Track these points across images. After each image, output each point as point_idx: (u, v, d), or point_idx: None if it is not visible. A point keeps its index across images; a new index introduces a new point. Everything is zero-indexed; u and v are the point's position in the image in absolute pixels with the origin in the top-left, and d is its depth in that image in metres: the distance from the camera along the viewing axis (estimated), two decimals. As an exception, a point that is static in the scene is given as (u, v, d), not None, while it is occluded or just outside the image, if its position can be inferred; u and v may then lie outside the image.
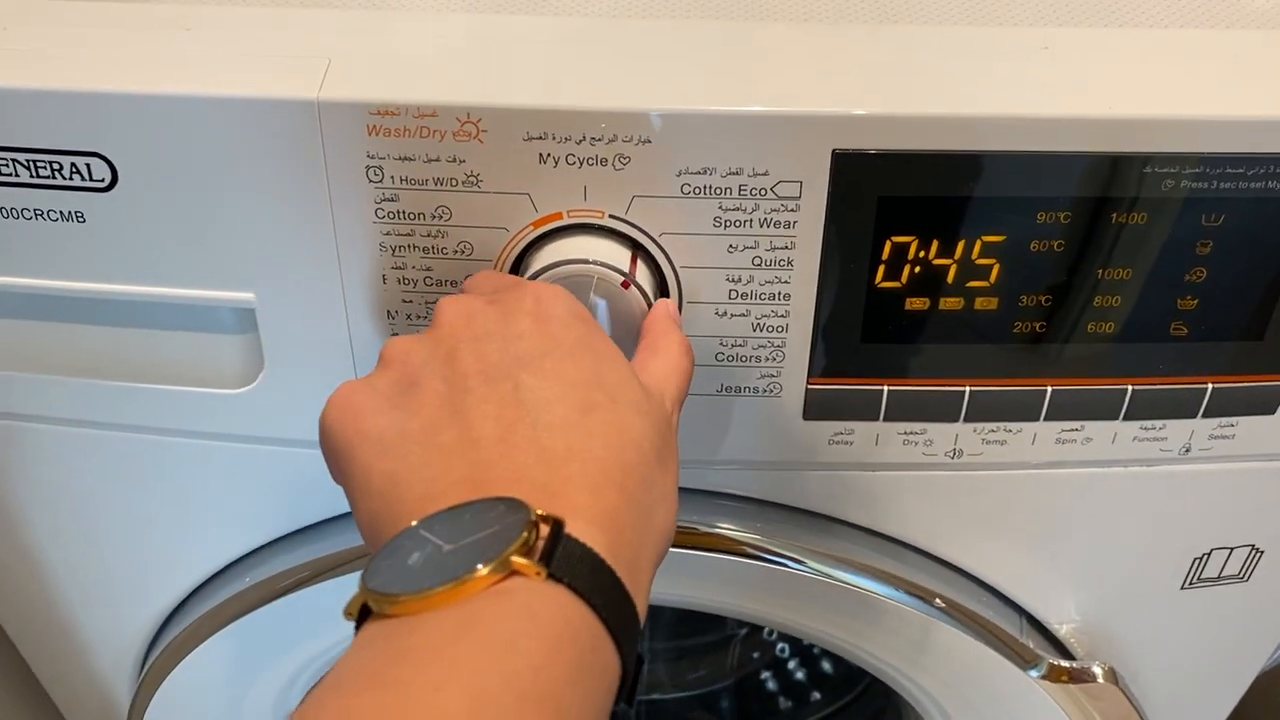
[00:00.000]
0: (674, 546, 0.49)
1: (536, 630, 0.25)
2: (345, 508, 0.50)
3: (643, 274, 0.40)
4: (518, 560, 0.26)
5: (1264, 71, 0.40)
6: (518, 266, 0.41)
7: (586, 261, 0.39)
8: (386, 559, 0.27)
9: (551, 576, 0.26)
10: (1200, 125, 0.38)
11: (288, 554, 0.52)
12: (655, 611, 0.91)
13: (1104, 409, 0.44)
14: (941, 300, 0.42)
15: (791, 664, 0.89)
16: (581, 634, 0.26)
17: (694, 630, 0.91)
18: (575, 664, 0.25)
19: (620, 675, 0.27)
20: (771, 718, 0.89)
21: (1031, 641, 0.52)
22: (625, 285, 0.39)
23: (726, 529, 0.49)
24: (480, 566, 0.25)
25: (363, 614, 0.27)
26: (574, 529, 0.27)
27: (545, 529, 0.27)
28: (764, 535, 0.49)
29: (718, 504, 0.49)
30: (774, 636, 0.90)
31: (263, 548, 0.53)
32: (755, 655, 0.91)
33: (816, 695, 0.85)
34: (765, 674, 0.90)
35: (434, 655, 0.24)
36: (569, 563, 0.26)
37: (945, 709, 0.59)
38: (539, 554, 0.26)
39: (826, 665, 0.86)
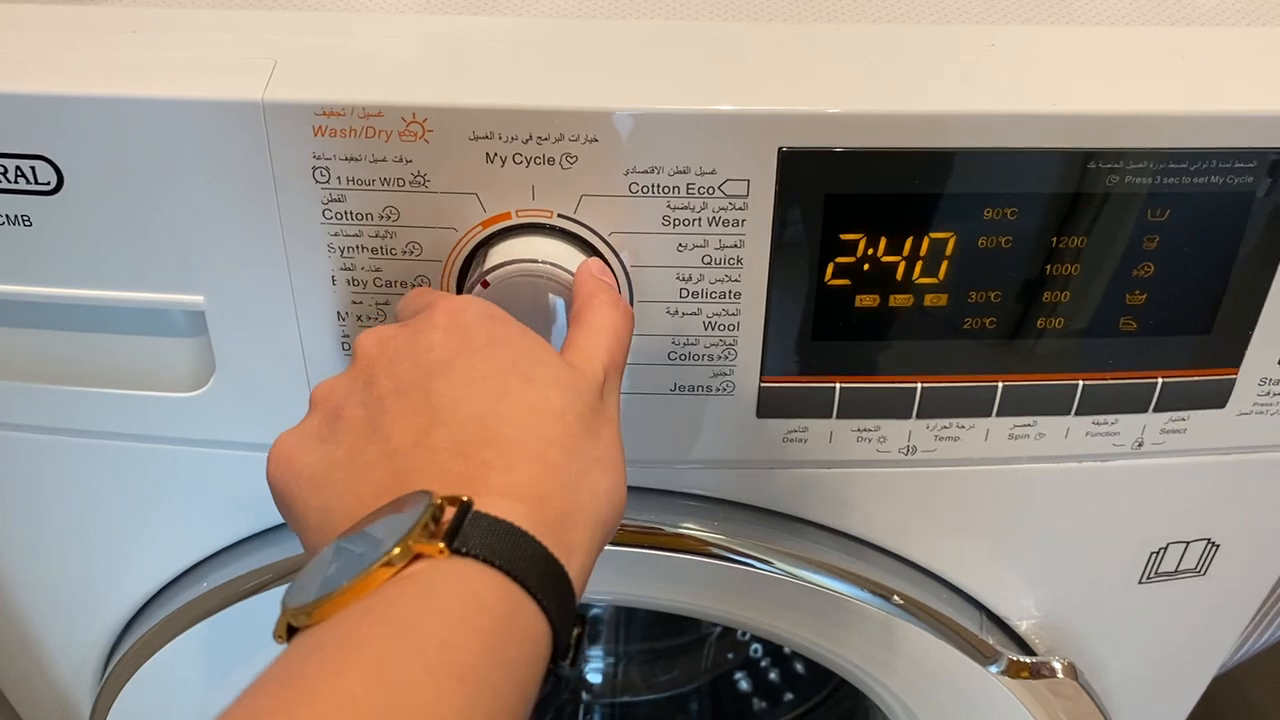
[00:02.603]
0: (634, 546, 0.49)
1: (439, 605, 0.25)
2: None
3: (593, 273, 0.40)
4: (418, 544, 0.26)
5: (1208, 68, 0.40)
6: (468, 266, 0.41)
7: (535, 261, 0.39)
8: (306, 576, 0.27)
9: (456, 552, 0.26)
10: (1144, 121, 0.38)
11: (247, 558, 0.52)
12: (628, 614, 0.91)
13: (1056, 404, 0.44)
14: (891, 297, 0.42)
15: (765, 664, 0.89)
16: (493, 602, 0.26)
17: (667, 632, 0.91)
18: (490, 631, 0.25)
19: (552, 637, 0.27)
20: (745, 718, 0.89)
21: (991, 638, 0.52)
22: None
23: (689, 529, 0.49)
24: (381, 556, 0.26)
25: (290, 633, 0.27)
26: (485, 505, 0.27)
27: (451, 510, 0.27)
28: (724, 534, 0.49)
29: (678, 503, 0.49)
30: (747, 637, 0.90)
31: (221, 551, 0.53)
32: (729, 656, 0.91)
33: (789, 696, 0.85)
34: (739, 674, 0.90)
35: (337, 645, 0.24)
36: (476, 535, 0.26)
37: (910, 708, 0.59)
38: (442, 534, 0.26)
39: (799, 666, 0.87)
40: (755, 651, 0.90)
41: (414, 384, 0.32)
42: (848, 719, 0.77)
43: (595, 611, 0.88)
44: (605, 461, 0.32)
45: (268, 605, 0.52)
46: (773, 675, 0.89)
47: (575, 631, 0.29)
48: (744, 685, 0.91)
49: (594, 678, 0.83)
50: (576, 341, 0.35)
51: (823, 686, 0.81)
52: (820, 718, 0.79)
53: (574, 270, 0.39)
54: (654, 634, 0.91)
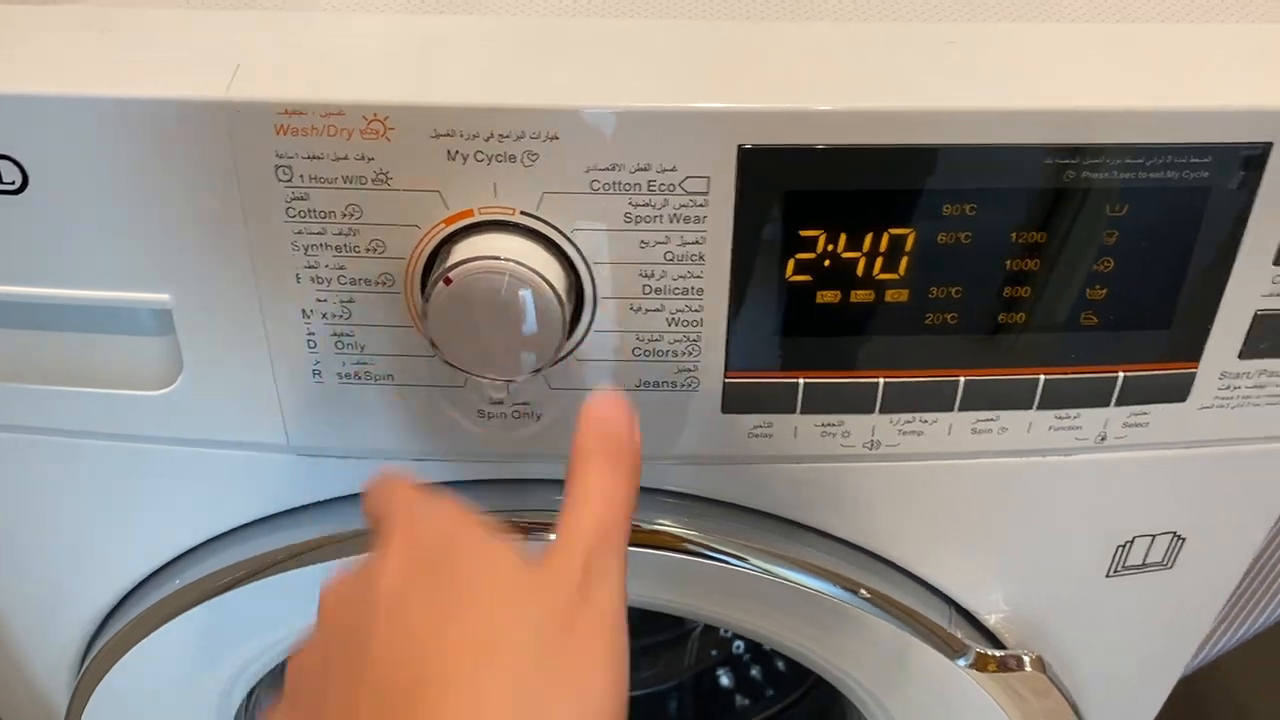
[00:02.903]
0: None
1: None
2: (274, 508, 0.51)
3: (556, 270, 0.40)
4: None
5: (1161, 64, 0.40)
6: (431, 263, 0.41)
7: (498, 258, 0.39)
8: None
9: None
10: (1101, 117, 0.39)
11: (220, 554, 0.52)
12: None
13: (1017, 399, 0.45)
14: (852, 293, 0.42)
15: (747, 660, 0.89)
16: None
17: (648, 629, 0.91)
18: None
19: None
20: (727, 715, 0.89)
21: (960, 631, 0.52)
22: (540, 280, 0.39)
23: (660, 525, 0.50)
24: None
25: None
26: None
27: None
28: (695, 530, 0.49)
29: (648, 499, 0.49)
30: (730, 634, 0.90)
31: (196, 548, 0.53)
32: (713, 653, 0.91)
33: (770, 692, 0.85)
34: (721, 671, 0.91)
35: None
36: None
37: (883, 703, 0.59)
38: None
39: (780, 663, 0.87)
40: (738, 648, 0.90)
41: (359, 656, 0.29)
42: (825, 715, 0.77)
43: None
44: (584, 668, 0.29)
45: (242, 601, 0.52)
46: (754, 671, 0.90)
47: None
48: (725, 681, 0.91)
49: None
50: (562, 519, 0.32)
51: (802, 682, 0.81)
52: (798, 714, 0.80)
53: (537, 267, 0.39)
54: (638, 631, 0.92)
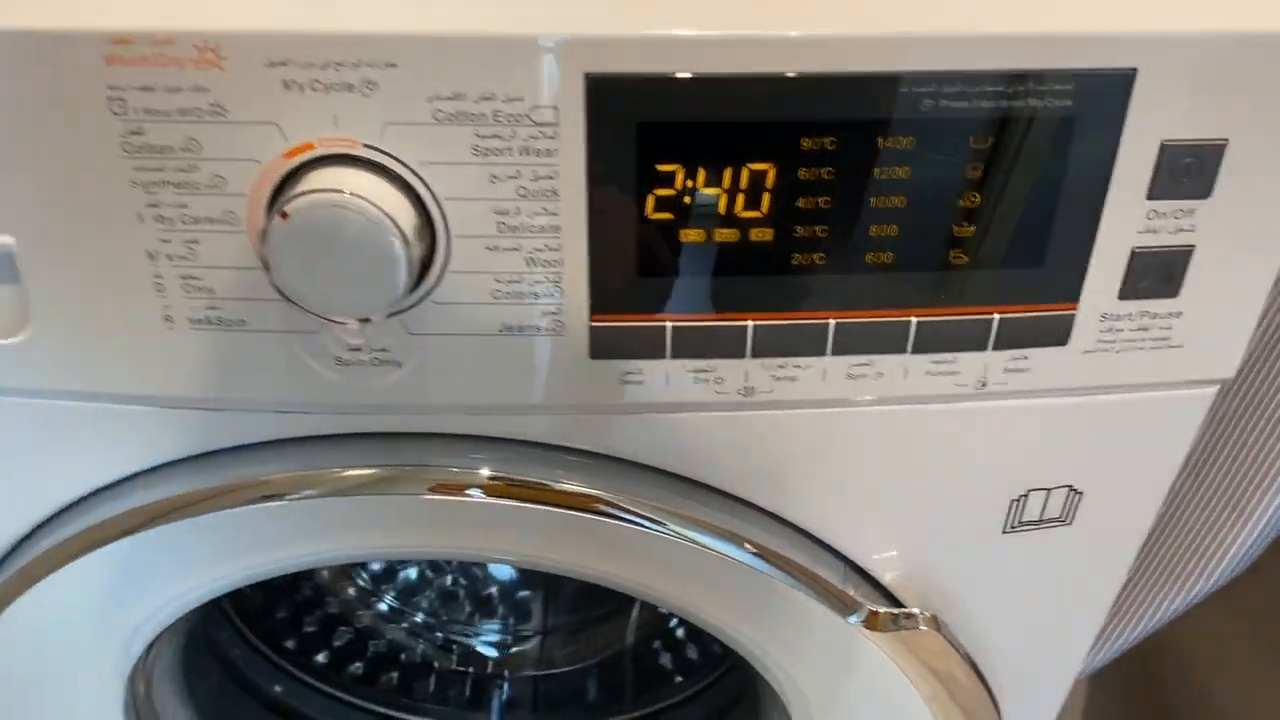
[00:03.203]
0: (487, 496, 0.48)
1: None
2: (152, 461, 0.49)
3: (402, 205, 0.39)
4: None
5: (1027, -10, 0.39)
6: (274, 200, 0.39)
7: (338, 191, 0.38)
8: None
9: None
10: (957, 42, 0.37)
11: (98, 509, 0.51)
12: (555, 587, 0.90)
13: (890, 342, 0.43)
14: (715, 232, 0.41)
15: (680, 634, 0.88)
16: None
17: (588, 605, 0.90)
18: None
19: None
20: (663, 688, 0.88)
21: (854, 589, 0.51)
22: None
23: (521, 476, 0.48)
24: None
25: None
26: None
27: None
28: (565, 481, 0.47)
29: (510, 449, 0.47)
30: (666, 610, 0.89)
31: (76, 503, 0.51)
32: (648, 629, 0.90)
33: (703, 669, 0.84)
34: (657, 644, 0.89)
35: None
36: None
37: (788, 671, 0.58)
38: None
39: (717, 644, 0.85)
40: (672, 624, 0.89)
41: None
42: (747, 694, 0.76)
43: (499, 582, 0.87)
44: None
45: (130, 555, 0.50)
46: (690, 649, 0.88)
47: None
48: (663, 659, 0.90)
49: (488, 651, 0.81)
50: None
51: (723, 661, 0.80)
52: (719, 692, 0.78)
53: (378, 200, 0.38)
54: (575, 606, 0.90)
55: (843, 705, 0.59)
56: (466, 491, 0.47)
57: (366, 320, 0.41)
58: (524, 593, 0.90)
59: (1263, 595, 0.93)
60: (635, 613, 0.90)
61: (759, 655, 0.57)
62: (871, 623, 0.50)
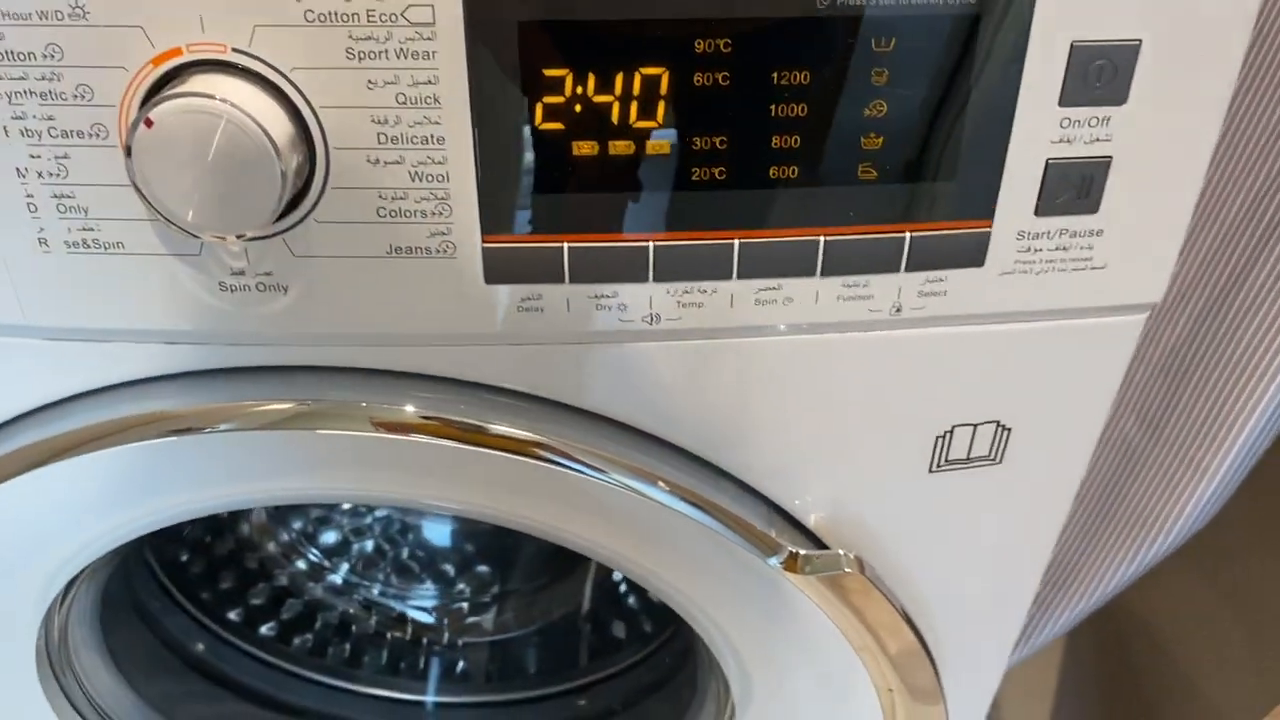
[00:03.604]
0: (394, 434, 0.46)
1: None
2: (31, 404, 0.47)
3: (274, 113, 0.37)
4: None
5: (932, -116, 0.37)
6: (144, 108, 0.37)
7: (205, 96, 0.36)
8: None
9: None
10: (853, -65, 0.35)
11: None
12: (510, 552, 0.88)
13: (798, 264, 0.41)
14: (610, 144, 0.39)
15: (632, 600, 0.86)
16: None
17: (542, 570, 0.88)
18: None
19: None
20: (613, 653, 0.86)
21: (777, 531, 0.49)
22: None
23: (422, 413, 0.46)
24: None
25: None
26: None
27: None
28: (468, 417, 0.46)
29: (415, 384, 0.46)
30: (619, 577, 0.87)
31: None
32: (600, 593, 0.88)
33: (648, 628, 0.82)
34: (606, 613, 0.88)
35: None
36: None
37: (717, 621, 0.56)
38: None
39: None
40: (623, 588, 0.87)
41: None
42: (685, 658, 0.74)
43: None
44: None
45: (23, 492, 0.48)
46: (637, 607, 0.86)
47: None
48: (616, 628, 0.88)
49: (422, 617, 0.79)
50: None
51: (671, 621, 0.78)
52: (665, 655, 0.76)
53: (246, 106, 0.36)
54: (529, 573, 0.89)
55: (775, 661, 0.57)
56: (381, 430, 0.45)
57: (243, 237, 0.39)
58: (482, 566, 0.88)
59: (1231, 564, 0.91)
60: (590, 579, 0.88)
61: (686, 605, 0.55)
62: (791, 565, 0.48)
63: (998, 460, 0.50)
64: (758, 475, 0.49)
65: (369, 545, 0.80)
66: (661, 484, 0.47)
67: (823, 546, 0.51)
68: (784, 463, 0.49)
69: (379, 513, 0.83)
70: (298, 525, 0.79)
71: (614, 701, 0.74)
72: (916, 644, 0.54)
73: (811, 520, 0.51)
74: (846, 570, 0.49)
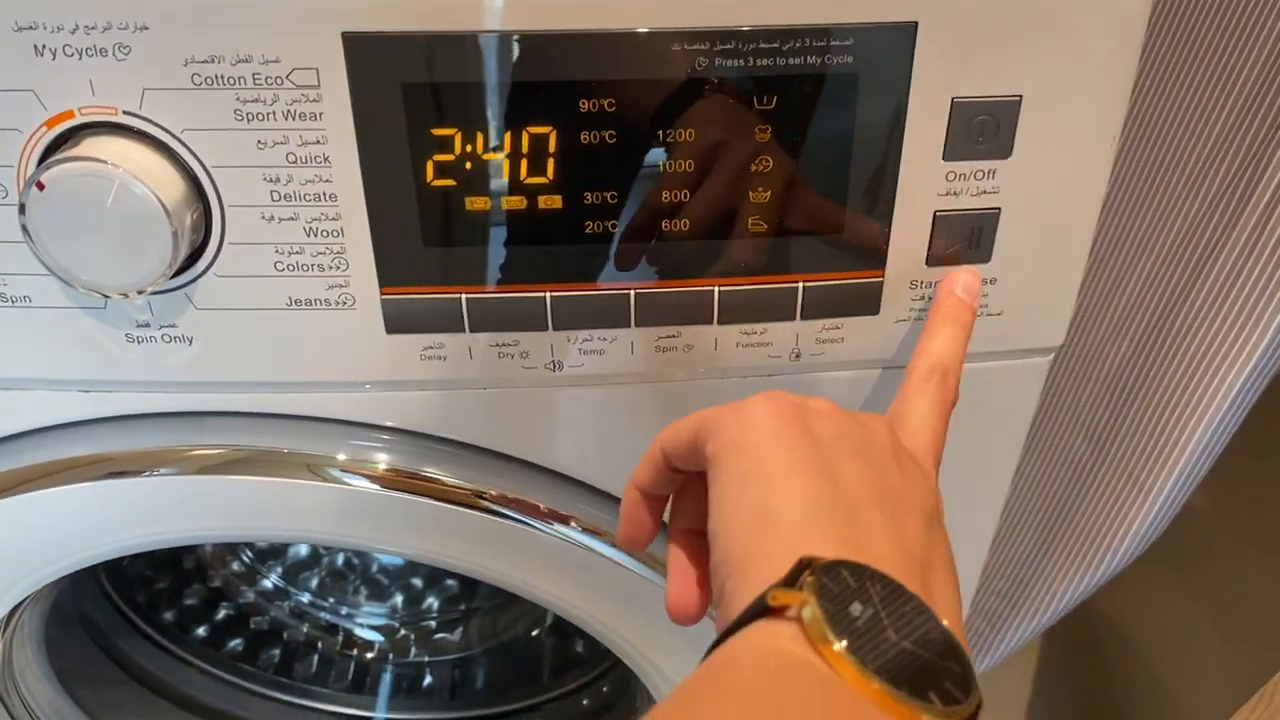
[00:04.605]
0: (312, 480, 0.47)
1: None
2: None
3: (166, 173, 0.37)
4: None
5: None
6: (38, 170, 0.38)
7: (90, 159, 0.36)
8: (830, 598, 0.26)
9: None
10: (726, -3, 0.36)
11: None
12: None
13: (695, 313, 0.42)
14: (503, 199, 0.39)
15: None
16: None
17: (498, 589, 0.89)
18: None
19: None
20: (573, 669, 0.87)
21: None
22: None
23: (355, 462, 0.47)
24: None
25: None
26: None
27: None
28: (393, 467, 0.46)
29: (372, 434, 0.46)
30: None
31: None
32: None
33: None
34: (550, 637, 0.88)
35: None
36: None
37: (651, 659, 0.56)
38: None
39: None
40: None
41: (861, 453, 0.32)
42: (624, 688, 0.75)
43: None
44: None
45: None
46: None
47: None
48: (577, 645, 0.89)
49: (370, 635, 0.80)
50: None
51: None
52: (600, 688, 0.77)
53: (135, 168, 0.36)
54: (491, 590, 0.89)
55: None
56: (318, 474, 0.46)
57: (142, 293, 0.40)
58: (450, 580, 0.88)
59: (1202, 569, 0.92)
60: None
61: (617, 640, 0.56)
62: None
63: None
64: (674, 512, 0.50)
65: (338, 560, 0.80)
66: (574, 523, 0.47)
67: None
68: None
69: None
70: (258, 546, 0.80)
71: (565, 720, 0.75)
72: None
73: (729, 556, 0.51)
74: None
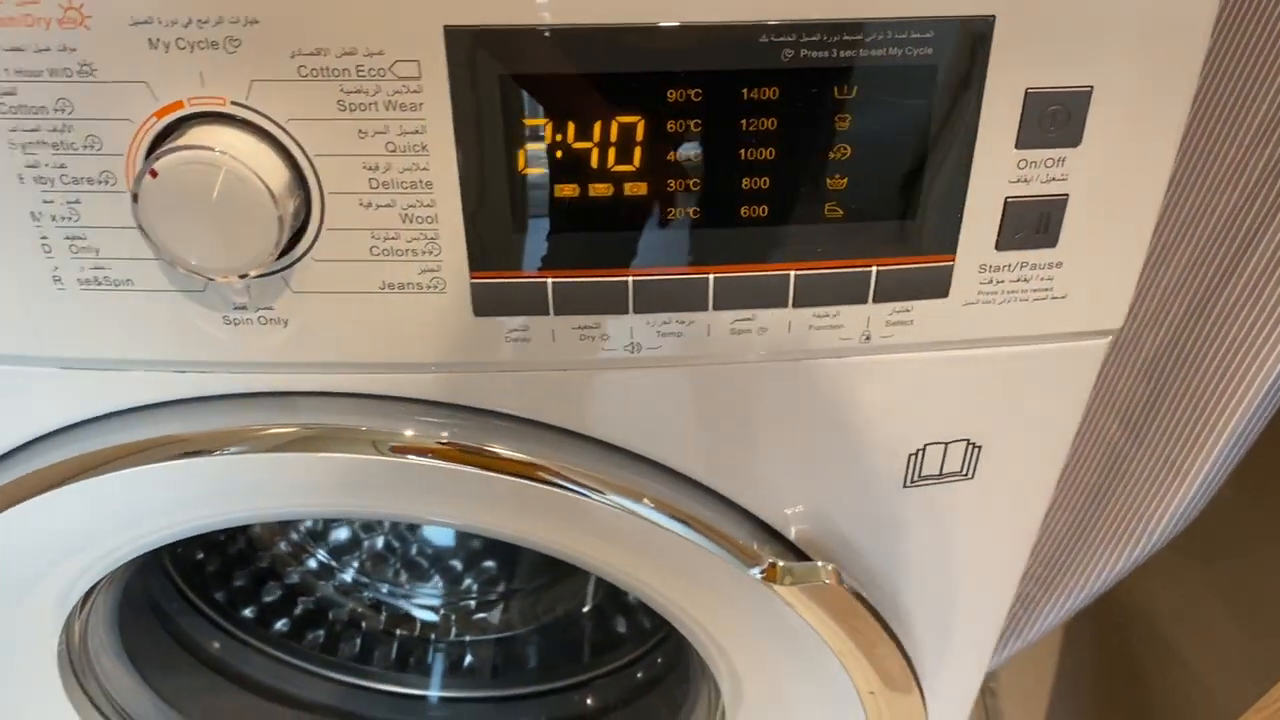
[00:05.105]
0: (399, 456, 0.49)
1: None
2: (47, 428, 0.50)
3: (271, 161, 0.39)
4: None
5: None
6: (149, 159, 0.40)
7: (206, 149, 0.38)
8: None
9: None
10: (814, -8, 0.37)
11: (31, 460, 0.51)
12: (514, 550, 0.90)
13: (771, 296, 0.43)
14: (590, 186, 0.41)
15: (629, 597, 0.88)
16: None
17: (547, 568, 0.91)
18: None
19: None
20: (614, 649, 0.88)
21: (757, 544, 0.51)
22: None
23: (421, 439, 0.49)
24: None
25: None
26: None
27: None
28: (461, 439, 0.48)
29: (429, 408, 0.48)
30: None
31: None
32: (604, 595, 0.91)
33: (648, 624, 0.84)
34: (608, 610, 0.90)
35: None
36: None
37: (705, 626, 0.58)
38: None
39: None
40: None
41: None
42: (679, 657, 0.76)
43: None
44: None
45: (47, 510, 0.51)
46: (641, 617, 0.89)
47: None
48: (618, 624, 0.91)
49: (426, 616, 0.82)
50: None
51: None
52: (655, 659, 0.79)
53: (245, 157, 0.38)
54: (537, 570, 0.91)
55: (764, 666, 0.59)
56: (384, 450, 0.47)
57: (245, 277, 0.42)
58: (489, 562, 0.91)
59: (1227, 555, 0.93)
60: (593, 577, 0.90)
61: (677, 614, 0.57)
62: (771, 575, 0.51)
63: (969, 475, 0.52)
64: (740, 492, 0.52)
65: (379, 543, 0.82)
66: (648, 501, 0.49)
67: (804, 558, 0.53)
68: (764, 480, 0.51)
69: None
70: (307, 525, 0.82)
71: (613, 698, 0.77)
72: (895, 649, 0.56)
73: (792, 533, 0.53)
74: (825, 581, 0.51)
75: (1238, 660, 0.95)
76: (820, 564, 0.51)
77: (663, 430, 0.49)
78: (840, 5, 0.37)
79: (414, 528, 0.85)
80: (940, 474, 0.51)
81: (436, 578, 0.84)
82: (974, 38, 0.38)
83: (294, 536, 0.80)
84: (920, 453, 0.51)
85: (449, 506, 0.52)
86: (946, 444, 0.50)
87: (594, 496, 0.49)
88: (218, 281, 0.42)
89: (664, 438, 0.50)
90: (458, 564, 0.84)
